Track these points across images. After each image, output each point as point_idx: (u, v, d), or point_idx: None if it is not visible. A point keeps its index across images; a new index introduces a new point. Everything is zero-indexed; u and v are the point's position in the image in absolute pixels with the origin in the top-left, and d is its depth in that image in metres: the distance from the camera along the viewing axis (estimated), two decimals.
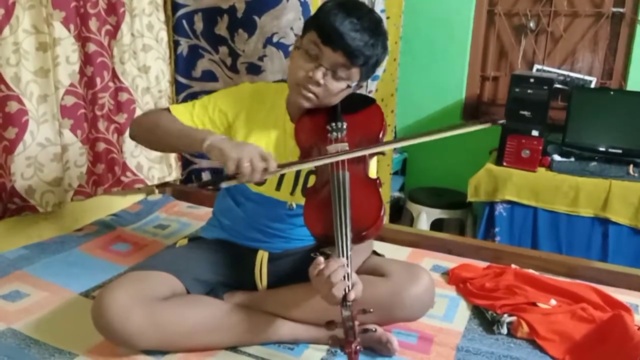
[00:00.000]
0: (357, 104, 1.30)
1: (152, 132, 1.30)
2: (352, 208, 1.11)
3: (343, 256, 1.07)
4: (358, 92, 1.34)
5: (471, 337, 1.33)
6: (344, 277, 1.04)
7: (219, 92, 1.42)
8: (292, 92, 1.26)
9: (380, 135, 1.25)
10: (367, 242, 1.32)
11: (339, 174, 1.15)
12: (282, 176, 1.33)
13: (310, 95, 1.22)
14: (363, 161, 1.21)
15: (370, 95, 2.29)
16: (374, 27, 1.19)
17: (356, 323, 1.04)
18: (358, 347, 1.04)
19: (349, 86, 1.24)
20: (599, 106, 2.54)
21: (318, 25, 1.18)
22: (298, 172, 1.32)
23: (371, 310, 1.05)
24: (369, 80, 2.30)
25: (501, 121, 1.09)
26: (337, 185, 1.14)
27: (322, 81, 1.19)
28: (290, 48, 1.30)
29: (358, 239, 1.12)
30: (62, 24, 1.75)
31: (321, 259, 1.06)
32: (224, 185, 1.14)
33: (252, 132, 1.34)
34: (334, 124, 1.24)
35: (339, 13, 1.16)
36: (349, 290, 1.04)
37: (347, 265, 1.06)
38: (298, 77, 1.21)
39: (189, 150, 1.29)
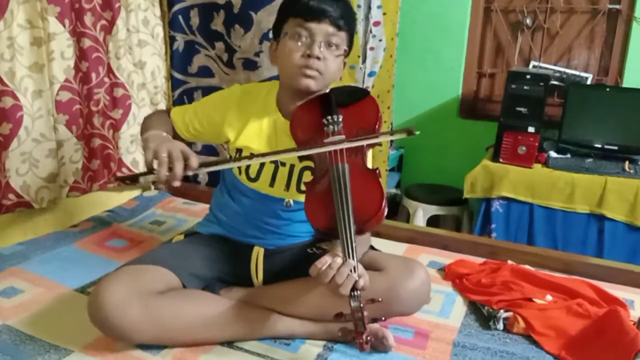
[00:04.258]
0: (352, 96, 1.30)
1: (142, 130, 1.40)
2: (353, 199, 1.12)
3: (348, 248, 1.07)
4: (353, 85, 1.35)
5: (467, 332, 1.34)
6: (351, 269, 1.05)
7: (211, 96, 1.47)
8: (295, 79, 1.27)
9: (377, 126, 1.26)
10: (366, 236, 1.32)
11: (338, 167, 1.15)
12: (276, 172, 1.33)
13: (314, 72, 1.24)
14: (361, 152, 1.21)
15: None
16: None
17: (365, 313, 1.05)
18: (369, 337, 1.07)
19: (345, 50, 1.30)
20: (595, 103, 2.54)
21: (294, 10, 1.25)
22: (292, 168, 1.33)
23: (380, 299, 1.07)
24: (366, 76, 2.30)
25: (416, 132, 1.13)
26: (337, 177, 1.14)
27: (321, 55, 1.23)
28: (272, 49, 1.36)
29: (362, 229, 1.13)
30: (56, 19, 1.74)
31: (325, 258, 1.06)
32: (142, 180, 1.15)
33: (243, 128, 1.36)
34: (329, 117, 1.24)
35: None
36: (357, 280, 1.05)
37: (353, 257, 1.06)
38: (296, 59, 1.24)
39: None
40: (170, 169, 1.11)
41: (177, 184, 1.12)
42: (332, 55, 1.26)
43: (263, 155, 1.24)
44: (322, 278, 1.05)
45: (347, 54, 1.33)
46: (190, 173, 1.14)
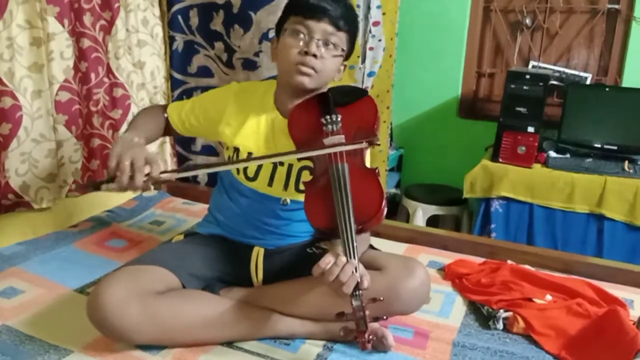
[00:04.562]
0: (350, 96, 1.31)
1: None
2: (353, 199, 1.12)
3: (349, 248, 1.07)
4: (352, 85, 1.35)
5: (467, 332, 1.34)
6: (354, 269, 1.05)
7: (208, 92, 1.47)
8: (290, 75, 1.27)
9: (375, 126, 1.26)
10: (365, 235, 1.32)
11: (337, 166, 1.15)
12: (274, 172, 1.33)
13: (310, 70, 1.24)
14: (360, 152, 1.22)
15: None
16: None
17: (367, 312, 1.05)
18: (371, 336, 1.08)
19: (342, 50, 1.29)
20: (595, 103, 2.54)
21: (295, 7, 1.26)
22: (290, 168, 1.33)
23: (381, 298, 1.08)
24: (366, 76, 2.30)
25: (377, 142, 1.17)
26: (337, 177, 1.14)
27: (318, 52, 1.23)
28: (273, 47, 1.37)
29: (362, 229, 1.13)
30: (56, 19, 1.74)
31: (328, 258, 1.06)
32: (104, 187, 1.13)
33: (242, 126, 1.36)
34: (328, 117, 1.24)
35: None
36: (359, 280, 1.05)
37: (354, 256, 1.06)
38: (293, 56, 1.24)
39: None
40: (132, 177, 1.10)
41: (139, 192, 1.12)
42: (330, 54, 1.26)
43: (261, 158, 1.23)
44: (327, 276, 1.05)
45: (346, 55, 1.33)
46: (151, 184, 1.13)
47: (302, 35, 1.24)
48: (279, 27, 1.32)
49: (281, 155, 1.22)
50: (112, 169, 1.12)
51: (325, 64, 1.26)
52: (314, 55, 1.23)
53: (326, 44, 1.25)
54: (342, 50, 1.29)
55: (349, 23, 1.27)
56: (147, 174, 1.11)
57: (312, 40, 1.23)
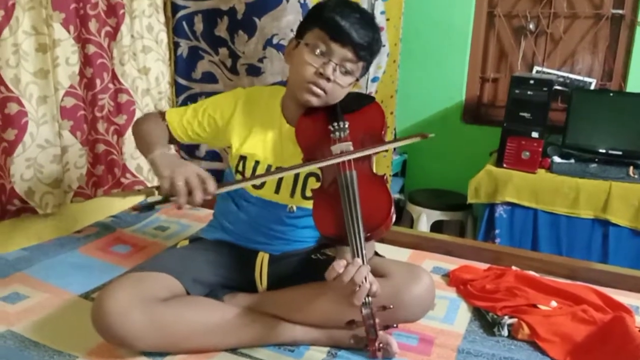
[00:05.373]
0: (357, 102, 1.31)
1: (136, 135, 1.38)
2: (362, 206, 1.11)
3: (358, 255, 1.06)
4: (357, 91, 1.35)
5: (472, 339, 1.33)
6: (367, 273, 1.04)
7: (212, 97, 1.45)
8: (299, 90, 1.25)
9: (382, 132, 1.26)
10: (370, 242, 1.32)
11: (346, 174, 1.15)
12: (281, 179, 1.33)
13: (320, 91, 1.23)
14: (368, 159, 1.21)
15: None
16: (374, 23, 1.25)
17: (377, 320, 1.04)
18: (381, 345, 1.07)
19: (357, 80, 1.27)
20: (599, 108, 2.54)
21: (323, 22, 1.21)
22: (297, 175, 1.32)
23: (391, 306, 1.07)
24: (369, 82, 2.31)
25: (430, 135, 1.15)
26: (345, 185, 1.14)
27: (332, 77, 1.21)
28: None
29: (370, 236, 1.12)
30: (61, 25, 1.75)
31: (343, 261, 1.05)
32: (158, 207, 1.12)
33: (249, 134, 1.35)
34: (336, 124, 1.24)
35: (343, 9, 1.20)
36: (370, 288, 1.04)
37: (364, 263, 1.06)
38: (307, 74, 1.22)
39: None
40: (190, 195, 1.07)
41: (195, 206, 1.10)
42: (343, 80, 1.24)
43: (285, 169, 1.21)
44: (343, 277, 1.03)
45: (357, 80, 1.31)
46: (209, 197, 1.11)
47: (321, 55, 1.21)
48: (301, 31, 1.27)
49: (301, 166, 1.19)
50: (166, 191, 1.08)
51: (335, 88, 1.24)
52: (327, 79, 1.21)
53: (342, 68, 1.23)
54: (357, 79, 1.28)
55: (370, 54, 1.25)
56: (204, 190, 1.08)
57: (329, 63, 1.21)
